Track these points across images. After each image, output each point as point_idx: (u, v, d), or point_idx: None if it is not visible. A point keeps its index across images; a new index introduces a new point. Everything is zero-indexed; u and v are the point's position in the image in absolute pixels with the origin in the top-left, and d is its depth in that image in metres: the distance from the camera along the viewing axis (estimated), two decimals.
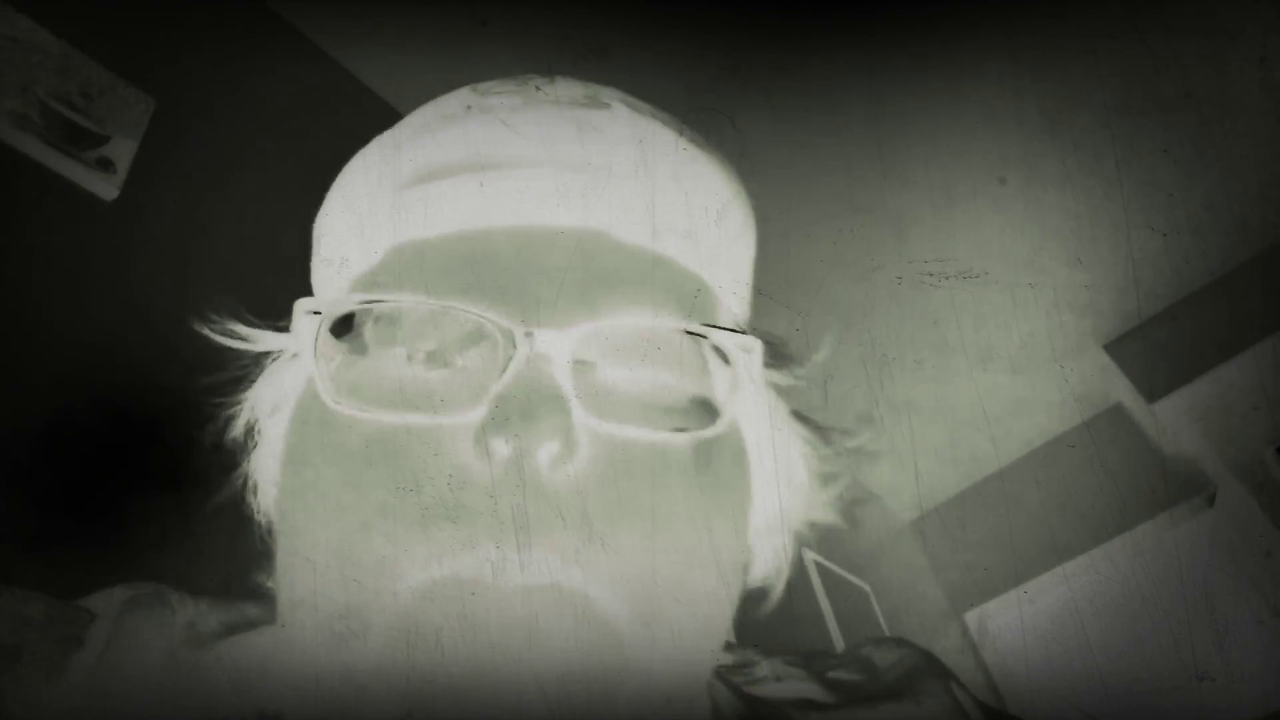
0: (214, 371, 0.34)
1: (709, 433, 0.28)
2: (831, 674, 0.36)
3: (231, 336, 0.33)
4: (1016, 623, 2.02)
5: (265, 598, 0.32)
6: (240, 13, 1.14)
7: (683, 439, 0.28)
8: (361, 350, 0.29)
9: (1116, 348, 2.00)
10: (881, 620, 1.82)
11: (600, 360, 0.28)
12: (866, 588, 1.85)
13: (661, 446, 0.27)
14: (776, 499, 0.33)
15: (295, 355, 0.33)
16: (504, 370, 0.26)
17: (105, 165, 0.82)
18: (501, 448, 0.25)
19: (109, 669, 0.30)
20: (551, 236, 0.29)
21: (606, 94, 0.32)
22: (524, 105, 0.31)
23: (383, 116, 0.34)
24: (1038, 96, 1.52)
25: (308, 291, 0.35)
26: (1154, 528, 1.91)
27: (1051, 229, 1.77)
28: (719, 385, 0.30)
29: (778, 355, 0.34)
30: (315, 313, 0.28)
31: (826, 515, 0.35)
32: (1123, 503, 1.92)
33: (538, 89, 0.32)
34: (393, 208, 0.30)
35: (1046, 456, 2.11)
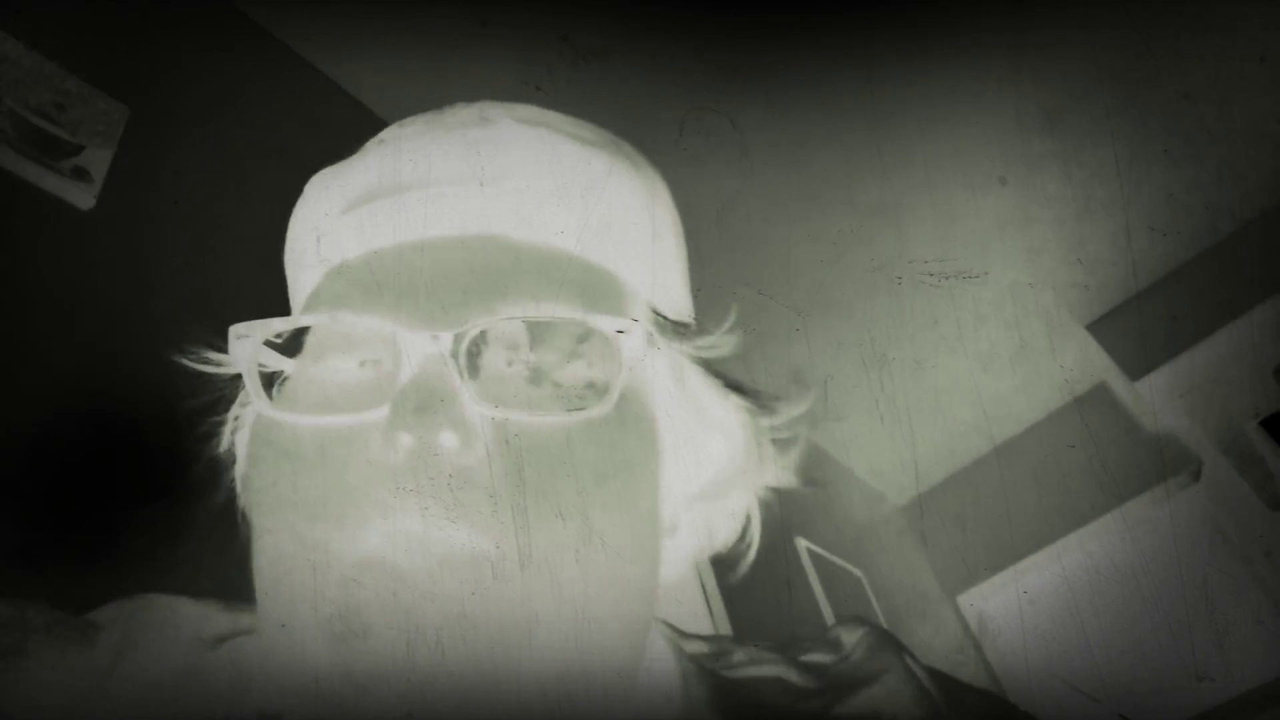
0: (198, 390, 0.36)
1: (597, 411, 0.30)
2: (803, 657, 0.38)
3: (206, 363, 0.36)
4: (1016, 623, 2.02)
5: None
6: (221, 21, 1.14)
7: (578, 418, 0.30)
8: (306, 365, 0.32)
9: (1099, 327, 2.02)
10: (875, 605, 1.83)
11: (493, 351, 0.30)
12: (859, 573, 1.86)
13: (562, 427, 0.29)
14: (709, 462, 0.35)
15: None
16: (402, 371, 0.29)
17: (81, 175, 0.81)
18: (405, 440, 0.27)
19: (121, 680, 0.30)
20: (454, 245, 0.32)
21: (492, 111, 0.35)
22: (417, 134, 0.34)
23: (365, 123, 0.35)
24: (1038, 96, 1.52)
25: (285, 296, 0.37)
26: (1139, 505, 1.93)
27: (1051, 229, 1.77)
28: (613, 368, 0.32)
29: (683, 331, 0.36)
30: (244, 336, 0.31)
31: (786, 480, 0.37)
32: (1110, 481, 1.94)
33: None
34: (331, 234, 0.34)
35: (1038, 439, 2.12)
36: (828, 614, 1.59)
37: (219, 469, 0.37)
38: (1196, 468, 1.92)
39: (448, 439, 0.27)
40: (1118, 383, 2.04)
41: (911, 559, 2.23)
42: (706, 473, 0.36)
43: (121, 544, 0.69)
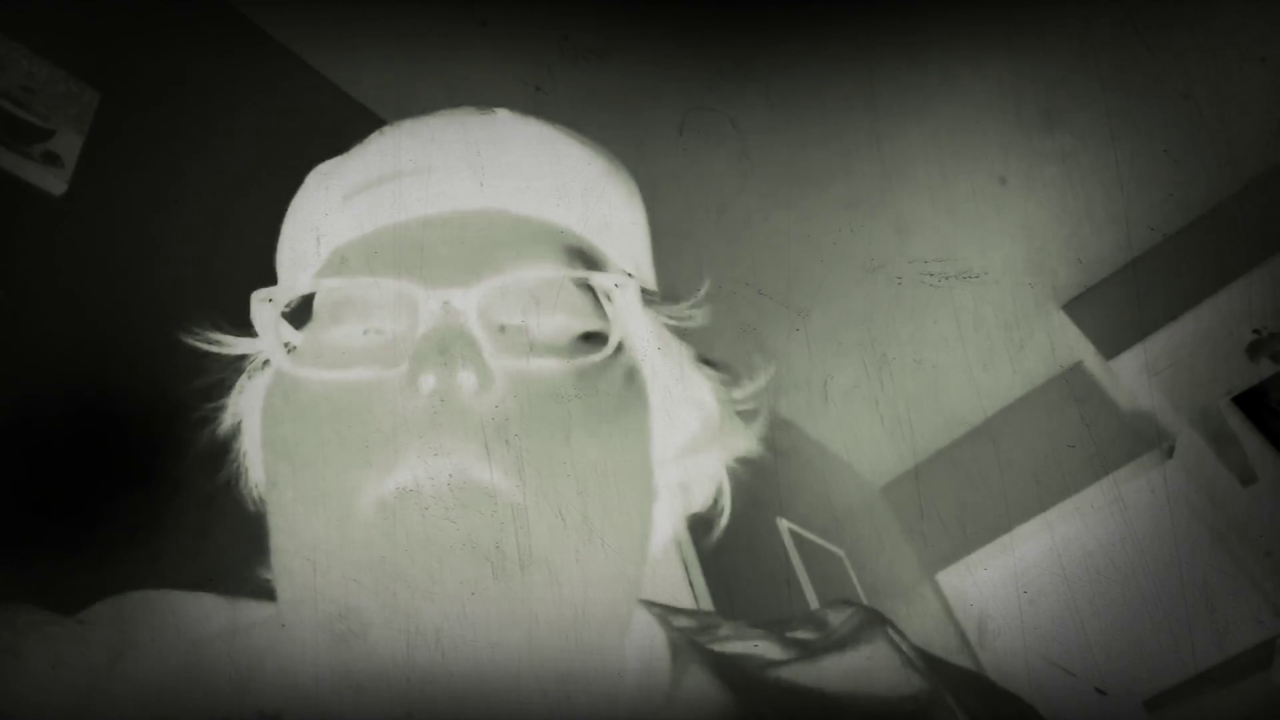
0: (197, 373, 0.37)
1: (598, 356, 0.33)
2: (789, 634, 0.39)
3: (211, 343, 0.37)
4: (1016, 623, 2.02)
5: (266, 591, 0.33)
6: (219, 20, 1.14)
7: (577, 364, 0.32)
8: (318, 331, 0.34)
9: (1074, 307, 2.03)
10: (856, 583, 1.84)
11: (503, 308, 0.32)
12: (840, 553, 1.87)
13: (563, 373, 0.32)
14: (684, 428, 0.38)
15: (267, 362, 0.37)
16: (420, 325, 0.31)
17: (52, 159, 0.81)
18: (427, 382, 0.29)
19: (120, 679, 0.30)
20: (460, 218, 0.34)
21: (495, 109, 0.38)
22: (420, 124, 0.37)
23: (365, 122, 0.36)
24: (1038, 96, 1.52)
25: (268, 280, 0.39)
26: (1111, 482, 1.94)
27: (1051, 229, 1.77)
28: (606, 322, 0.35)
29: (651, 299, 0.39)
30: (269, 300, 0.33)
31: (752, 449, 0.40)
32: (1089, 457, 1.95)
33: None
34: (339, 215, 0.36)
35: (1037, 437, 2.13)
36: (810, 594, 1.60)
37: (217, 454, 0.38)
38: (1169, 445, 1.94)
39: (467, 379, 0.29)
40: (1093, 364, 2.06)
41: (893, 539, 2.25)
42: (680, 437, 0.38)
43: (110, 535, 0.68)
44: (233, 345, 0.37)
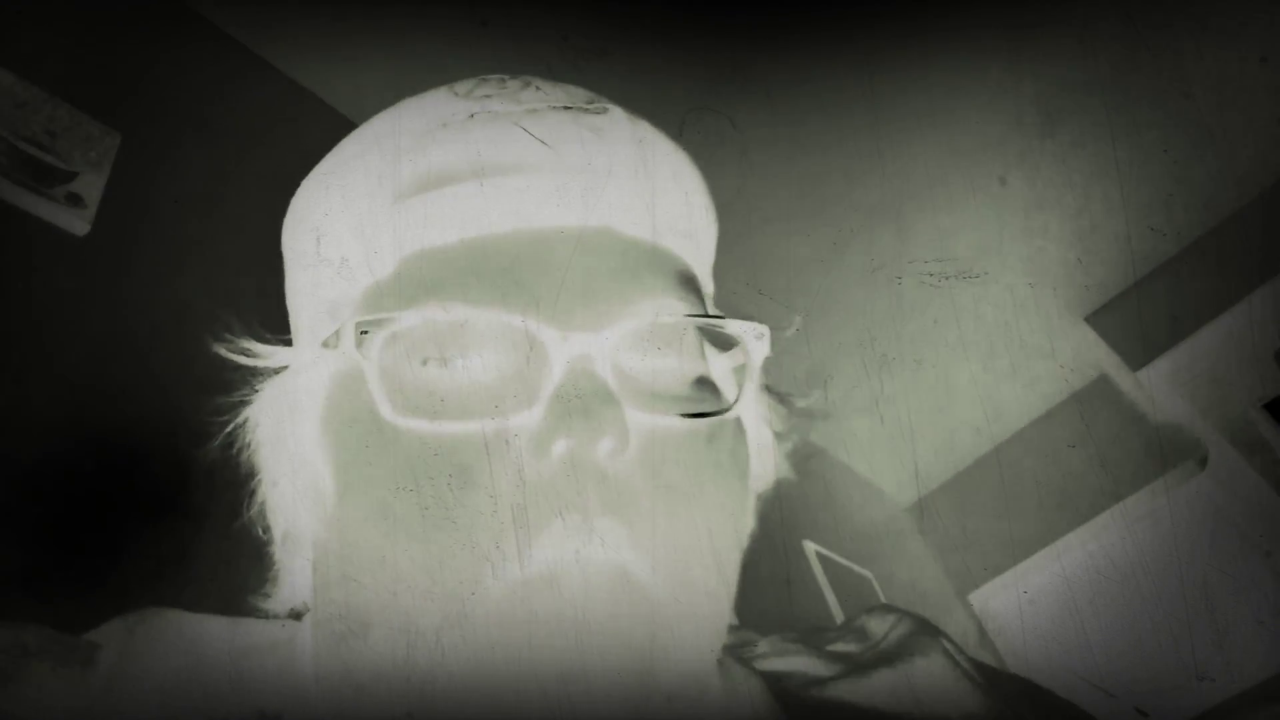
0: (212, 391, 0.34)
1: (729, 415, 0.30)
2: (829, 647, 0.37)
3: (246, 354, 0.34)
4: (1017, 623, 2.02)
5: (270, 615, 0.33)
6: (206, 32, 1.14)
7: (703, 423, 0.29)
8: (400, 364, 0.29)
9: (1098, 318, 2.02)
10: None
11: (629, 355, 0.30)
12: (869, 575, 1.86)
13: (685, 431, 0.29)
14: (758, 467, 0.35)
15: (282, 370, 0.34)
16: (549, 373, 0.27)
17: (75, 201, 0.82)
18: (561, 446, 0.26)
19: (116, 694, 0.30)
20: (557, 236, 0.30)
21: (603, 101, 0.34)
22: (526, 112, 0.31)
23: (340, 130, 0.34)
24: (1038, 96, 1.52)
25: (278, 306, 0.35)
26: (1139, 502, 1.93)
27: (1051, 229, 1.76)
28: (716, 368, 0.32)
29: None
30: (364, 331, 0.28)
31: (784, 472, 0.37)
32: (1115, 473, 1.94)
33: (538, 89, 0.33)
34: (398, 216, 0.30)
35: (1039, 435, 2.12)
36: (838, 616, 1.59)
37: (236, 482, 0.35)
38: (1203, 455, 1.92)
39: (607, 446, 0.26)
40: (1118, 376, 2.05)
41: (921, 560, 2.23)
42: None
43: (125, 563, 0.69)
44: (269, 356, 0.34)
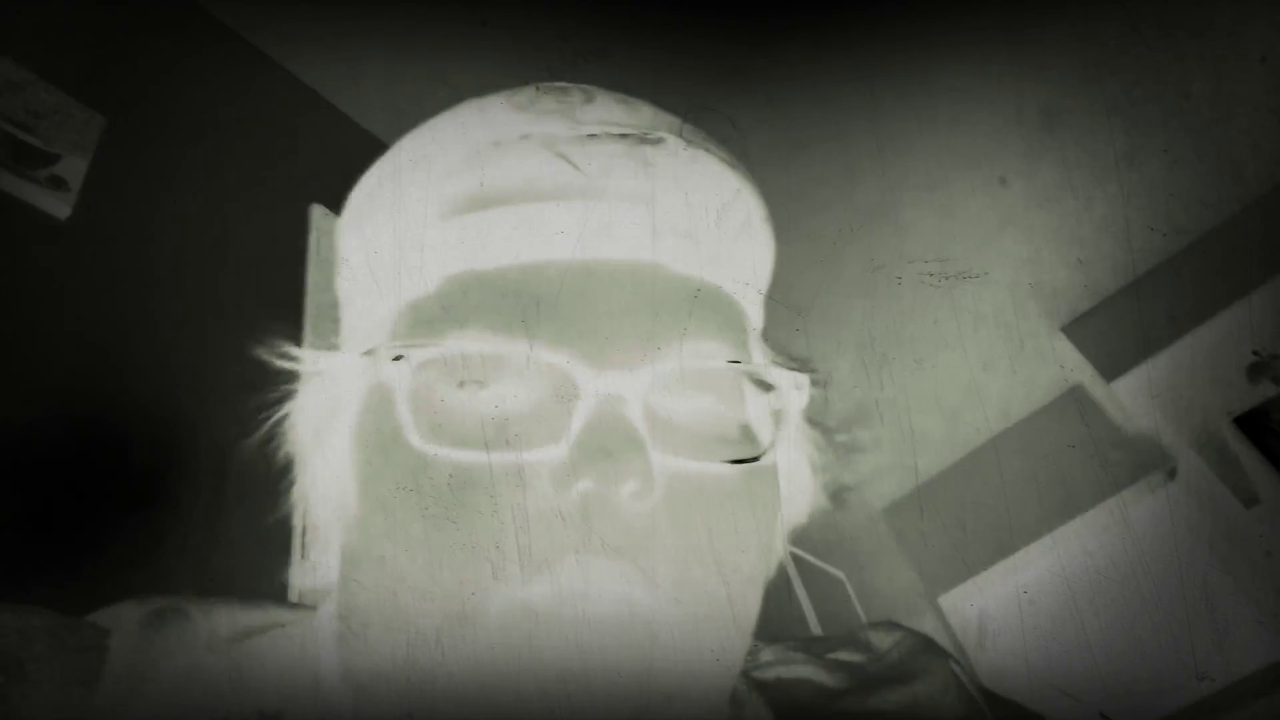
0: (248, 390, 0.34)
1: (764, 462, 0.29)
2: (831, 655, 0.37)
3: (286, 359, 0.33)
4: (1016, 623, 2.02)
5: (288, 599, 0.33)
6: (208, 30, 1.14)
7: (737, 469, 0.29)
8: (432, 389, 0.29)
9: (1073, 329, 2.02)
10: (858, 607, 1.84)
11: (663, 396, 0.29)
12: (841, 575, 1.86)
13: (717, 475, 0.28)
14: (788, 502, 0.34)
15: (317, 375, 0.33)
16: (579, 411, 0.27)
17: (57, 184, 0.82)
18: (584, 485, 0.26)
19: (135, 682, 0.30)
20: (610, 270, 0.29)
21: (659, 129, 0.32)
22: (581, 138, 0.30)
23: (365, 122, 0.34)
24: (1038, 96, 1.52)
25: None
26: (1139, 504, 1.93)
27: (1051, 229, 1.76)
28: (754, 411, 0.31)
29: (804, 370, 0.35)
30: (398, 357, 0.28)
31: (820, 503, 0.37)
32: (1115, 473, 1.94)
33: (597, 106, 0.32)
34: (445, 233, 0.30)
35: (1039, 434, 2.12)
36: (811, 618, 1.59)
37: (267, 472, 0.35)
38: (1172, 466, 1.94)
39: (630, 488, 0.26)
40: (1104, 382, 2.05)
41: (894, 562, 2.23)
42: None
43: (126, 546, 0.69)
44: (310, 362, 0.33)
